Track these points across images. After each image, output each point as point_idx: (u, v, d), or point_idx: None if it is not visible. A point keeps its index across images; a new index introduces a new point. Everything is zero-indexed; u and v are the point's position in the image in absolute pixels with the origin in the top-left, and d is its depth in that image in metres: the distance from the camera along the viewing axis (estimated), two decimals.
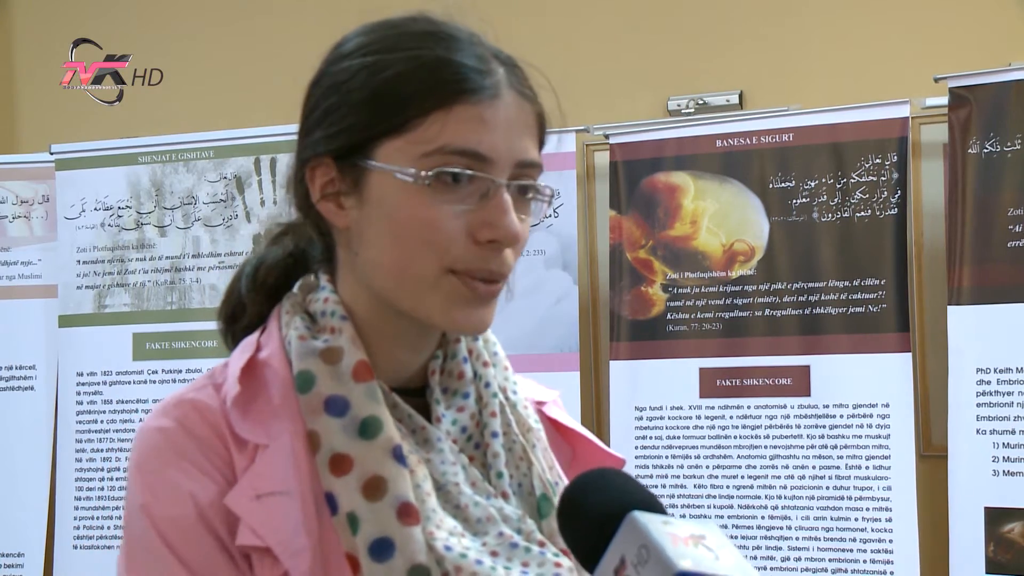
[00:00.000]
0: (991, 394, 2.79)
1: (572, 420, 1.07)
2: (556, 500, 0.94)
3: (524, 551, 0.89)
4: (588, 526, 0.79)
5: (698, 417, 3.05)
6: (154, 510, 0.86)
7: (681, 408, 3.07)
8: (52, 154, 3.53)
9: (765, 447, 2.97)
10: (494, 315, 0.93)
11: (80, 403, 3.44)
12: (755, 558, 2.93)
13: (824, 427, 2.93)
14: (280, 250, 1.02)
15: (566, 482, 0.99)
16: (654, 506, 0.79)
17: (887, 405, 2.88)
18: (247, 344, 0.95)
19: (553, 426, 1.05)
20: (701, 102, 3.32)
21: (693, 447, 3.04)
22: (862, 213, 2.95)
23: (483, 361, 0.99)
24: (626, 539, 0.74)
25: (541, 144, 0.94)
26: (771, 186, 3.05)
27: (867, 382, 2.89)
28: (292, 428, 0.89)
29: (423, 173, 0.87)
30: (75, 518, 3.41)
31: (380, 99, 0.89)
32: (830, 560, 2.88)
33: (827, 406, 2.93)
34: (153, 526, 0.86)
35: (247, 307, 1.01)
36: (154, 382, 3.39)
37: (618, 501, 0.79)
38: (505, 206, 0.88)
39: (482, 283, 0.89)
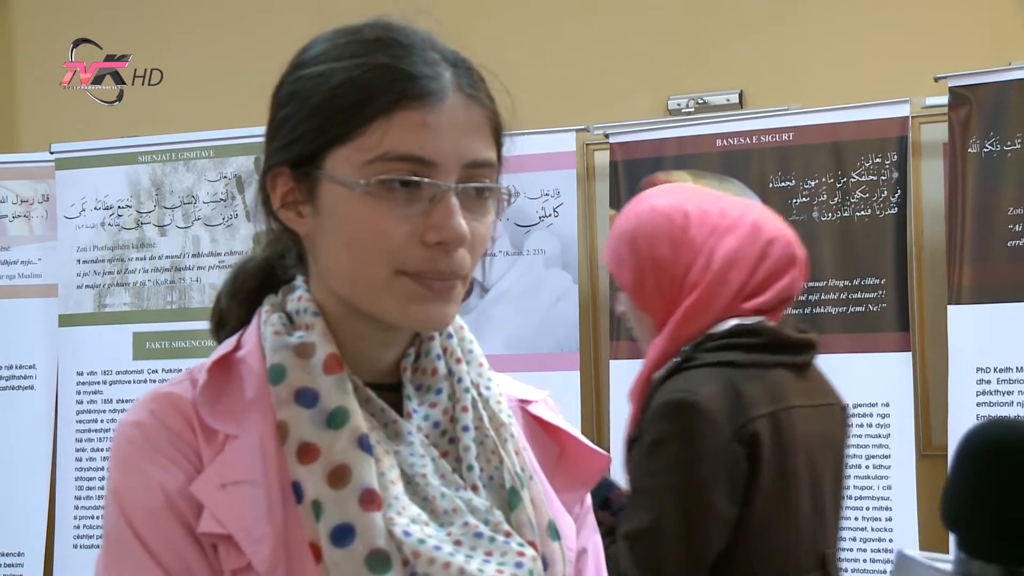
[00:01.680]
0: (991, 393, 2.79)
1: (559, 418, 1.08)
2: (524, 494, 0.96)
3: (488, 540, 0.91)
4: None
5: None
6: (125, 500, 0.89)
7: None
8: (52, 153, 3.53)
9: None
10: (456, 311, 0.94)
11: (80, 403, 3.44)
12: None
13: None
14: (261, 256, 1.04)
15: (540, 475, 1.01)
16: None
17: (887, 404, 2.87)
18: (227, 342, 0.98)
19: (539, 424, 1.06)
20: (701, 102, 3.31)
21: None
22: (862, 213, 2.95)
23: (456, 358, 1.01)
24: None
25: (499, 145, 0.95)
26: (771, 185, 3.04)
27: (867, 381, 2.88)
28: (263, 420, 0.91)
29: (365, 182, 0.88)
30: (75, 518, 3.41)
31: (326, 109, 0.90)
32: None
33: None
34: (123, 516, 0.88)
35: (229, 313, 1.03)
36: (154, 381, 3.39)
37: None
38: (451, 209, 0.89)
39: (436, 281, 0.91)
